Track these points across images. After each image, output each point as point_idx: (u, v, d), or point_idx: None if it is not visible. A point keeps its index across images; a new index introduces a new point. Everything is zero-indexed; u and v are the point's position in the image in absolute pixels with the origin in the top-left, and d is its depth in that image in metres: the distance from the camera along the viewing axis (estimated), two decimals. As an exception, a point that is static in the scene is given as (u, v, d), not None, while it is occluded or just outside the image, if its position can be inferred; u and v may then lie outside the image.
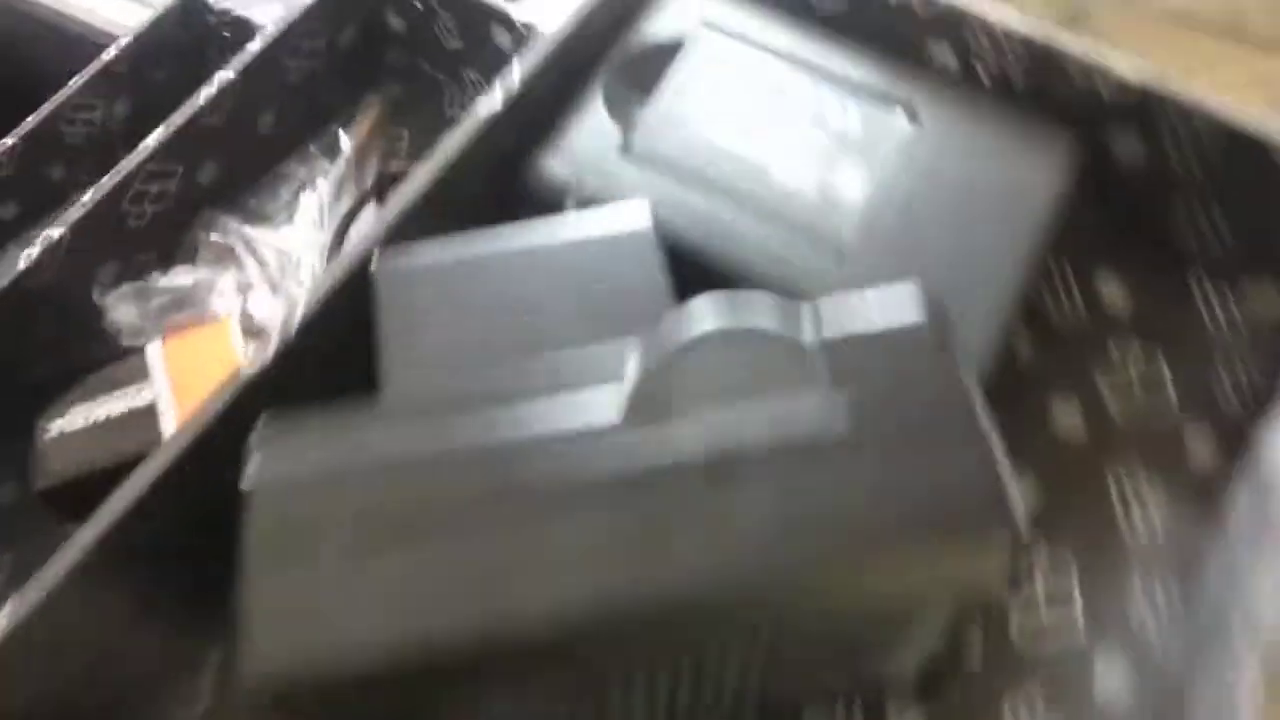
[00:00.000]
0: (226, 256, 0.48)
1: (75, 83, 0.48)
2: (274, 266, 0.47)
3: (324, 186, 0.49)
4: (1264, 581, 0.29)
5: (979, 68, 0.38)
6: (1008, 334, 0.33)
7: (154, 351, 0.43)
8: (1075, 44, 0.36)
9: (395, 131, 0.51)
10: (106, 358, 0.43)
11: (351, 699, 0.25)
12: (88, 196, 0.42)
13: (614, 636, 0.26)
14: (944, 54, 0.39)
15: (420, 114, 0.51)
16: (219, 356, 0.43)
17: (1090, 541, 0.36)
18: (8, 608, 0.29)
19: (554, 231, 0.32)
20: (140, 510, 0.31)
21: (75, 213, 0.42)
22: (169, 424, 0.40)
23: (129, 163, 0.43)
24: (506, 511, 0.26)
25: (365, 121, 0.51)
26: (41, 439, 0.41)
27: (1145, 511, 0.36)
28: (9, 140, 0.47)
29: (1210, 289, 0.40)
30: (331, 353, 0.33)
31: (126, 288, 0.45)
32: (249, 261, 0.47)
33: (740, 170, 0.36)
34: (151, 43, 0.50)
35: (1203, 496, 0.36)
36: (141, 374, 0.42)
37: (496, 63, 0.49)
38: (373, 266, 0.32)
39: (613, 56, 0.39)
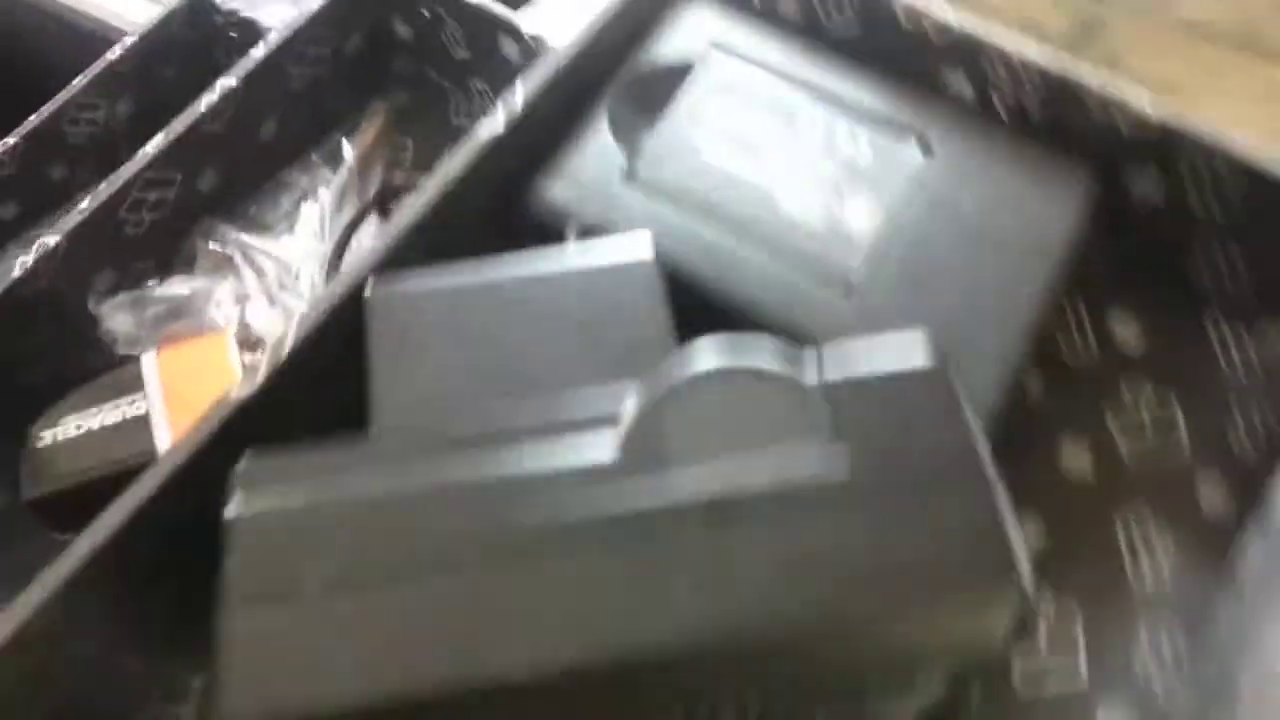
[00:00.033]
0: (225, 266, 0.47)
1: (78, 82, 0.47)
2: (272, 277, 0.47)
3: (326, 196, 0.48)
4: (1276, 634, 0.29)
5: (995, 98, 0.37)
6: (1019, 373, 0.32)
7: (149, 362, 0.42)
8: (1094, 77, 0.35)
9: (400, 141, 0.51)
10: (102, 366, 0.42)
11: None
12: (85, 204, 0.42)
13: (602, 684, 0.25)
14: (959, 83, 0.38)
15: (426, 123, 0.51)
16: (215, 368, 0.42)
17: (1096, 587, 0.35)
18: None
19: (553, 263, 0.32)
20: (126, 534, 0.30)
21: (72, 220, 0.41)
22: (162, 436, 0.40)
23: (127, 170, 0.42)
24: (495, 552, 0.25)
25: (370, 130, 0.50)
26: (33, 448, 0.40)
27: (1153, 558, 0.35)
28: (11, 139, 0.46)
29: (1226, 331, 0.39)
30: (323, 377, 0.32)
31: (123, 296, 0.45)
32: (247, 271, 0.47)
33: (747, 199, 0.35)
34: (157, 42, 0.49)
35: (1213, 544, 0.35)
36: (136, 384, 0.42)
37: (504, 73, 0.48)
38: (367, 292, 0.32)
39: (619, 79, 0.38)
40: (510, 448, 0.27)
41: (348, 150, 0.49)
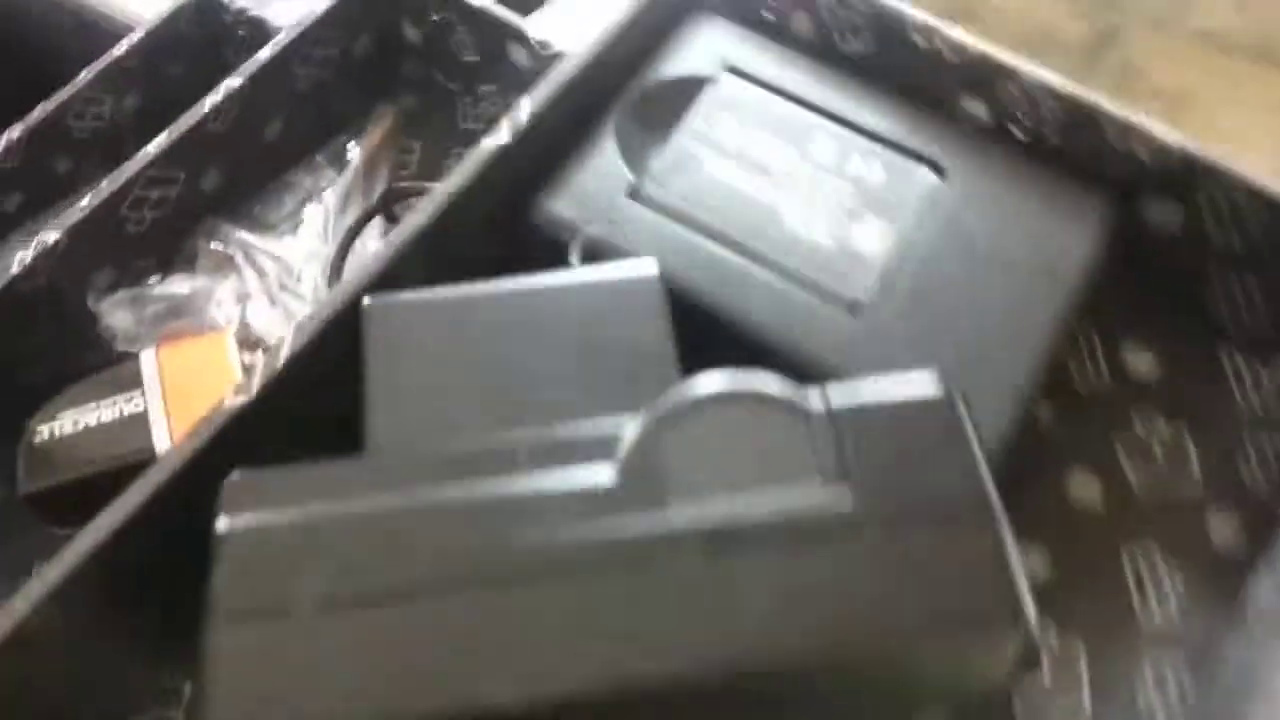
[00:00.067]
0: (226, 265, 0.47)
1: (84, 76, 0.47)
2: (273, 277, 0.46)
3: (330, 198, 0.48)
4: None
5: (1011, 122, 0.37)
6: (1030, 403, 0.31)
7: (148, 359, 0.42)
8: (1114, 105, 0.35)
9: (406, 144, 0.50)
10: (101, 364, 0.42)
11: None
12: (86, 201, 0.41)
13: (595, 715, 0.25)
14: (975, 106, 0.37)
15: (433, 126, 0.50)
16: (214, 367, 0.42)
17: (1101, 621, 0.34)
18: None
19: (555, 286, 0.31)
20: (118, 540, 0.30)
21: (73, 217, 0.41)
22: (160, 433, 0.39)
23: (130, 168, 0.42)
24: (488, 576, 0.25)
25: (376, 132, 0.50)
26: (30, 443, 0.40)
27: (1161, 592, 0.35)
28: (15, 132, 0.46)
29: (1242, 364, 0.38)
30: (319, 388, 0.32)
31: (123, 294, 0.44)
32: (248, 271, 0.46)
33: (755, 219, 0.34)
34: (164, 38, 0.49)
35: (1223, 580, 0.35)
36: (135, 381, 0.41)
37: (512, 78, 0.48)
38: (365, 303, 0.31)
39: (627, 94, 0.37)
40: (506, 469, 0.26)
41: (353, 152, 0.49)
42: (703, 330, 0.32)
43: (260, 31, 0.50)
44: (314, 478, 0.27)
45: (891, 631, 0.24)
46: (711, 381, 0.27)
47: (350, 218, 0.47)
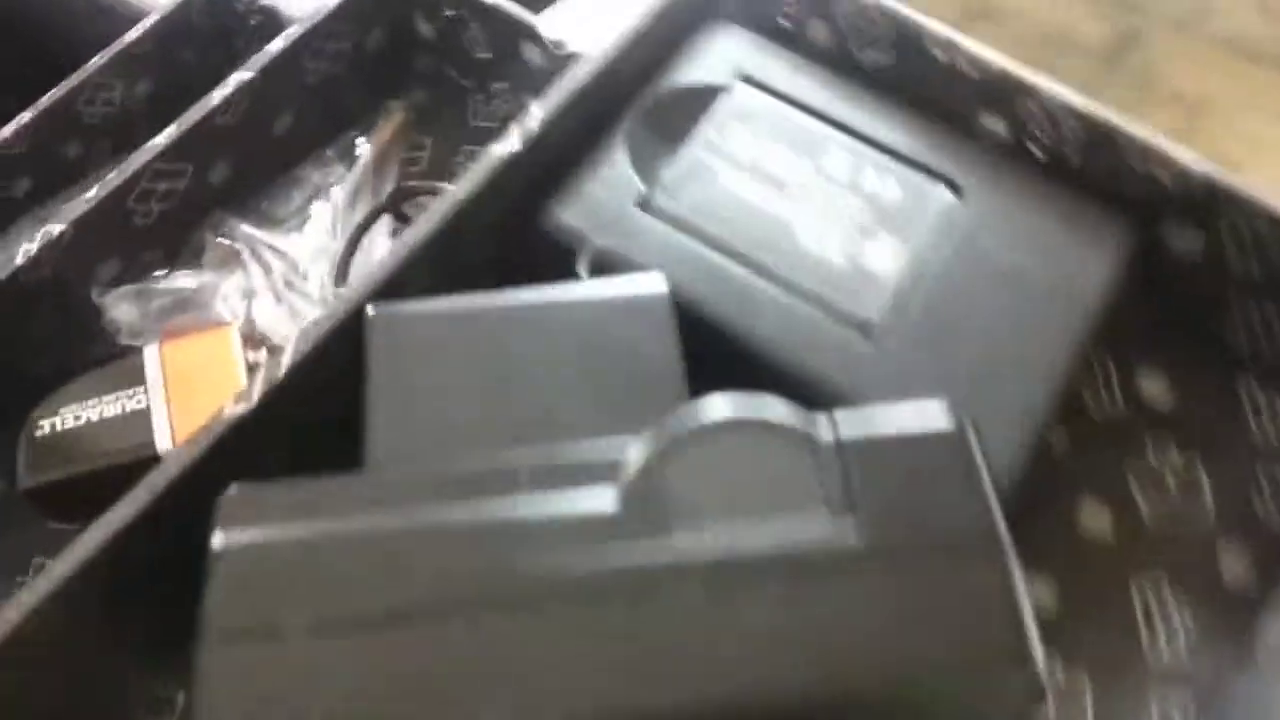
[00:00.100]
0: (232, 260, 0.46)
1: (95, 62, 0.47)
2: (279, 274, 0.46)
3: (339, 194, 0.48)
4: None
5: (1031, 142, 0.36)
6: (1043, 432, 0.31)
7: (151, 354, 0.41)
8: (1136, 126, 0.34)
9: (417, 140, 0.50)
10: (104, 357, 0.42)
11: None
12: (93, 193, 0.41)
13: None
14: (994, 123, 0.37)
15: (444, 123, 0.50)
16: (218, 363, 0.41)
17: (1108, 656, 0.33)
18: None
19: (562, 299, 0.31)
20: (114, 548, 0.29)
21: (79, 208, 0.40)
22: (162, 430, 0.39)
23: (137, 160, 0.42)
24: (486, 603, 0.24)
25: (387, 128, 0.49)
26: (30, 436, 0.40)
27: (1170, 628, 0.34)
28: (25, 116, 0.45)
29: (1259, 395, 0.37)
30: (320, 398, 0.31)
31: (127, 287, 0.44)
32: (254, 267, 0.46)
33: (766, 233, 0.34)
34: (177, 25, 0.49)
35: (1233, 617, 0.34)
36: (137, 376, 0.41)
37: (525, 75, 0.47)
38: (369, 312, 0.31)
39: (639, 102, 0.36)
40: (508, 491, 0.26)
41: (363, 148, 0.48)
42: (710, 345, 0.31)
43: (273, 20, 0.49)
44: (311, 494, 0.26)
45: (895, 669, 0.24)
46: (718, 407, 0.26)
47: (359, 215, 0.47)
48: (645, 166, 0.35)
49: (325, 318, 0.32)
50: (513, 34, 0.46)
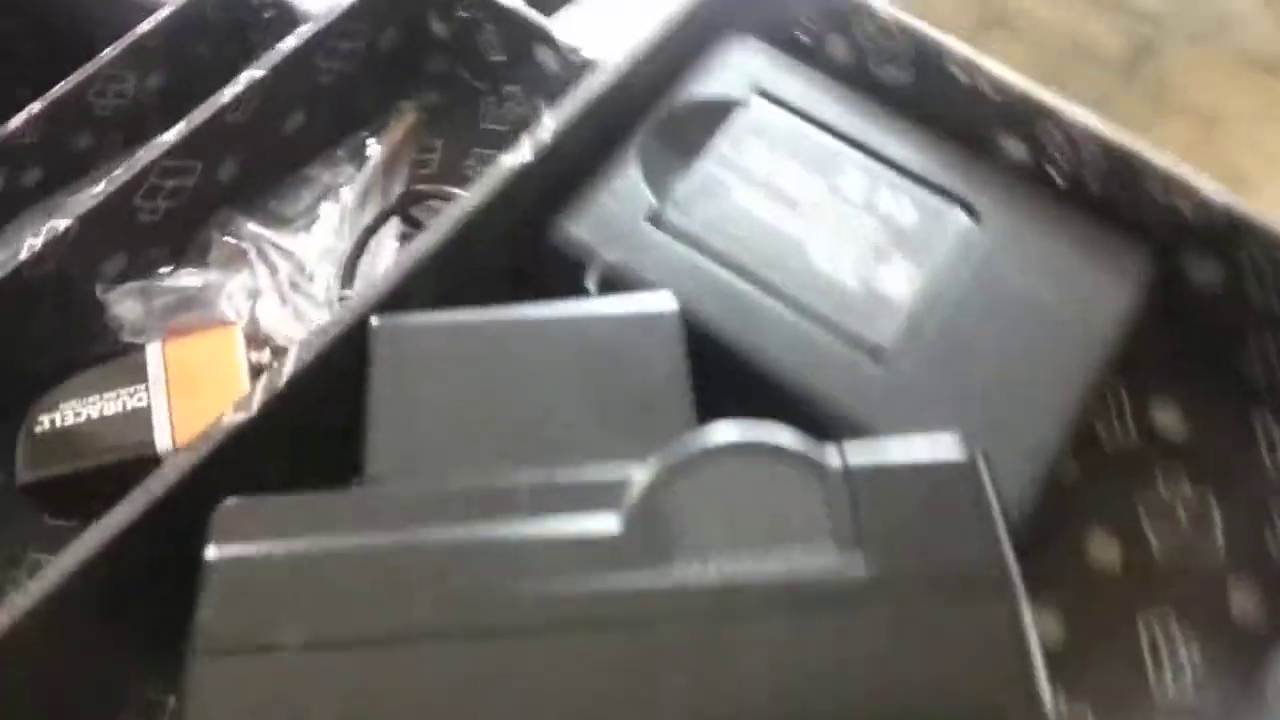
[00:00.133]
0: (238, 259, 0.46)
1: (107, 54, 0.46)
2: (285, 275, 0.46)
3: (348, 195, 0.47)
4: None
5: (1051, 166, 0.35)
6: (1055, 464, 0.30)
7: (154, 352, 0.41)
8: (1159, 155, 0.33)
9: (428, 142, 0.49)
10: (106, 353, 0.41)
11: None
12: (100, 188, 0.41)
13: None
14: (1014, 146, 0.36)
15: (456, 125, 0.49)
16: (221, 363, 0.41)
17: (1113, 691, 0.33)
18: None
19: (569, 316, 0.30)
20: (109, 553, 0.29)
21: (85, 204, 0.40)
22: (162, 429, 0.39)
23: (145, 156, 0.41)
24: (481, 626, 0.24)
25: (399, 129, 0.49)
26: (29, 432, 0.39)
27: (1176, 664, 0.33)
28: (35, 106, 0.45)
29: (1274, 429, 0.37)
30: (321, 408, 0.31)
31: (131, 284, 0.44)
32: (260, 267, 0.46)
33: (779, 252, 0.33)
34: (190, 19, 0.48)
35: (1242, 654, 0.33)
36: (139, 374, 0.41)
37: (538, 80, 0.47)
38: (373, 323, 0.30)
39: (652, 116, 0.36)
40: (507, 512, 0.25)
41: (374, 149, 0.48)
42: (717, 363, 0.31)
43: (287, 15, 0.49)
44: (308, 509, 0.26)
45: (898, 706, 0.23)
46: (725, 434, 0.26)
47: (367, 216, 0.47)
48: (657, 180, 0.35)
49: (329, 326, 0.31)
50: (527, 37, 0.45)
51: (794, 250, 0.33)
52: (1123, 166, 0.34)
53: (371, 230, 0.46)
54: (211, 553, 0.25)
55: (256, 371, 0.40)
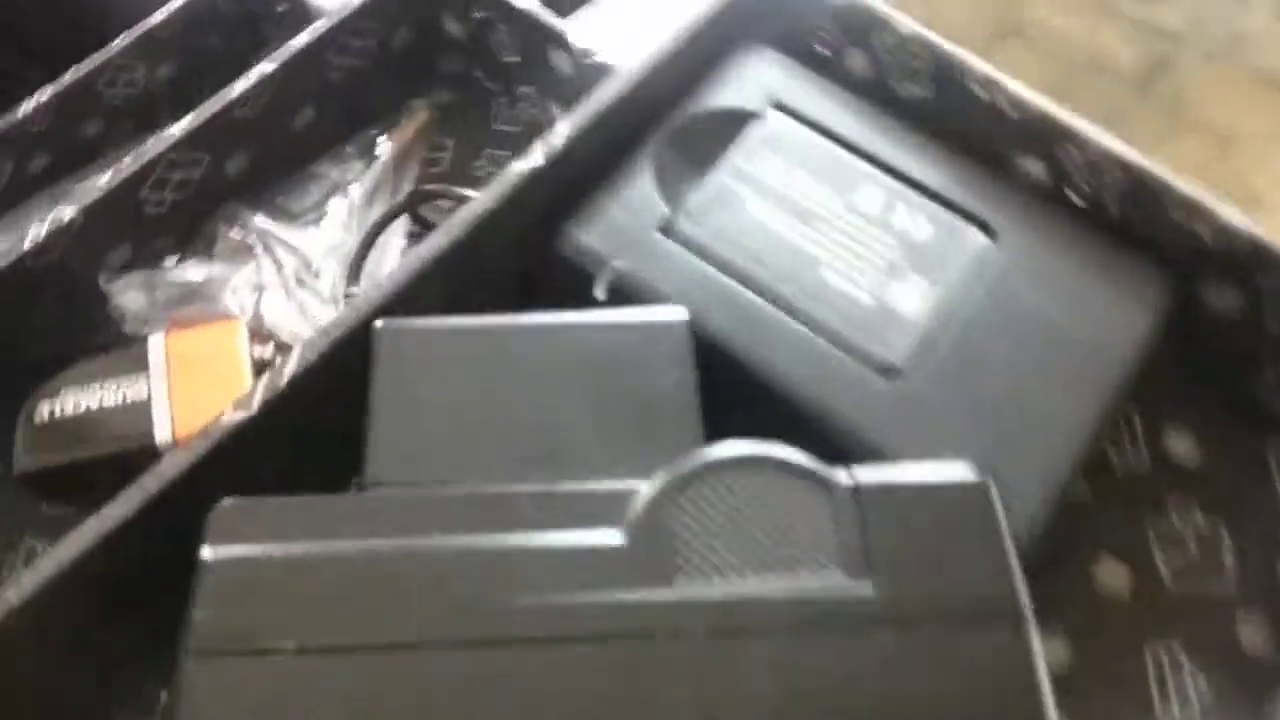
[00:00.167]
0: (244, 253, 0.46)
1: (118, 43, 0.46)
2: (290, 270, 0.45)
3: (356, 192, 0.47)
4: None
5: (1070, 188, 0.35)
6: (1067, 489, 0.30)
7: (156, 343, 0.41)
8: (1180, 181, 0.33)
9: (439, 141, 0.49)
10: (109, 344, 0.41)
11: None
12: (106, 179, 0.40)
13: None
14: (1033, 166, 0.36)
15: (467, 125, 0.49)
16: (223, 357, 0.41)
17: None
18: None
19: (577, 325, 0.30)
20: (105, 548, 0.29)
21: (90, 195, 0.40)
22: (162, 421, 0.38)
23: (153, 148, 0.41)
24: (478, 637, 0.23)
25: (409, 127, 0.49)
26: (28, 421, 0.39)
27: (1183, 696, 0.33)
28: (45, 94, 0.45)
29: (1290, 463, 0.36)
30: (322, 408, 0.30)
31: (135, 275, 0.44)
32: (266, 262, 0.45)
33: (791, 266, 0.33)
34: (203, 10, 0.48)
35: (1250, 688, 0.33)
36: (140, 365, 0.40)
37: (551, 82, 0.46)
38: (377, 326, 0.30)
39: (667, 124, 0.35)
40: (508, 522, 0.25)
41: (384, 147, 0.48)
42: (724, 377, 0.30)
43: (300, 10, 0.49)
44: (306, 513, 0.26)
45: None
46: (733, 452, 0.25)
47: (375, 214, 0.46)
48: (670, 190, 0.34)
49: (332, 326, 0.31)
50: (541, 39, 0.45)
51: (807, 264, 0.33)
52: (1143, 190, 0.33)
53: (379, 228, 0.45)
54: (207, 553, 0.25)
55: (259, 366, 0.39)
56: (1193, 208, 0.33)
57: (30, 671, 0.30)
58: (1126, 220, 0.34)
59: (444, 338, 0.30)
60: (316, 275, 0.45)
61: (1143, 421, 0.37)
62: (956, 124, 0.36)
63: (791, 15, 0.39)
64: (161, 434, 0.37)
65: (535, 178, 0.33)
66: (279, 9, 0.50)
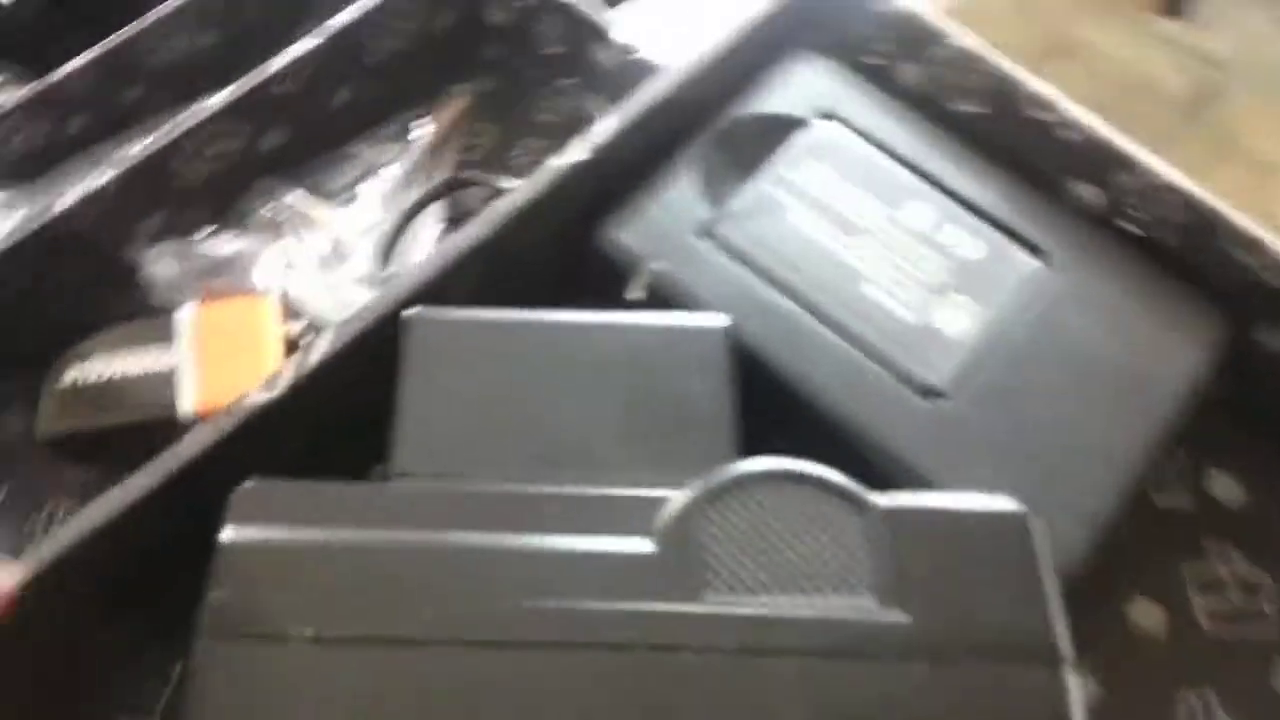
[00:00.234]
0: (276, 229, 0.45)
1: (162, 9, 0.46)
2: (322, 248, 0.45)
3: (390, 175, 0.46)
4: None
5: (1125, 216, 0.34)
6: (1110, 528, 0.29)
7: (186, 314, 0.41)
8: (1240, 216, 0.32)
9: (477, 128, 0.48)
10: (137, 312, 0.41)
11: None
12: (142, 147, 0.40)
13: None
14: (1088, 191, 0.34)
15: (505, 114, 0.48)
16: (252, 331, 0.41)
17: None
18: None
19: (613, 326, 0.29)
20: (130, 515, 0.28)
21: (126, 163, 0.39)
22: (187, 393, 0.38)
23: (190, 120, 0.41)
24: (499, 631, 0.23)
25: (448, 113, 0.48)
26: (53, 385, 0.39)
27: (1214, 743, 0.32)
28: (87, 57, 0.44)
29: (1335, 510, 0.35)
30: (349, 395, 0.30)
31: (167, 245, 0.43)
32: (297, 240, 0.45)
33: (832, 280, 0.32)
34: (246, -17, 0.48)
35: (1283, 740, 0.32)
36: (168, 335, 0.40)
37: (592, 76, 0.46)
38: (408, 315, 0.29)
39: (713, 127, 0.35)
40: (535, 526, 0.24)
41: (421, 131, 0.47)
42: (758, 386, 0.30)
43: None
44: (330, 499, 0.25)
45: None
46: (767, 467, 0.25)
47: (409, 198, 0.46)
48: (711, 194, 0.33)
49: (367, 310, 0.31)
50: (584, 32, 0.44)
51: (848, 277, 0.32)
52: (1202, 224, 0.32)
53: (414, 212, 0.45)
54: (227, 535, 0.24)
55: (289, 344, 0.39)
56: (1251, 243, 0.32)
57: (45, 642, 0.29)
58: (1183, 253, 0.33)
59: (475, 330, 0.29)
60: (347, 256, 0.45)
61: (1187, 458, 0.36)
62: (1009, 143, 0.35)
63: (844, 23, 0.38)
64: (185, 405, 0.37)
65: (578, 172, 0.33)
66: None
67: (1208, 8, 1.25)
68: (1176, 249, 0.33)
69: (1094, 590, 0.33)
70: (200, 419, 0.36)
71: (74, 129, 0.46)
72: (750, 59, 0.36)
